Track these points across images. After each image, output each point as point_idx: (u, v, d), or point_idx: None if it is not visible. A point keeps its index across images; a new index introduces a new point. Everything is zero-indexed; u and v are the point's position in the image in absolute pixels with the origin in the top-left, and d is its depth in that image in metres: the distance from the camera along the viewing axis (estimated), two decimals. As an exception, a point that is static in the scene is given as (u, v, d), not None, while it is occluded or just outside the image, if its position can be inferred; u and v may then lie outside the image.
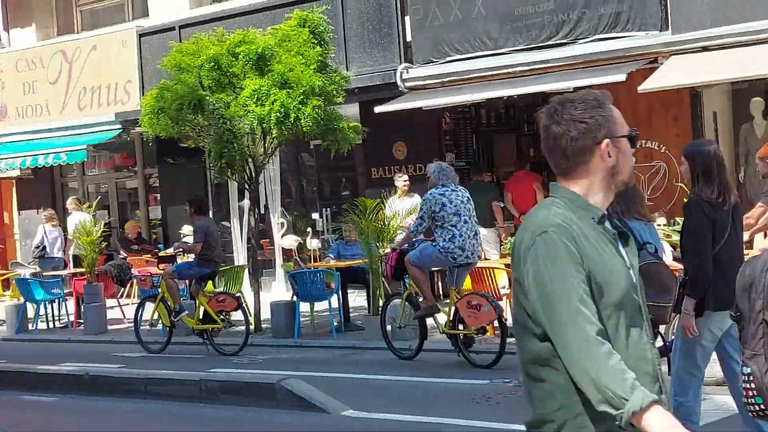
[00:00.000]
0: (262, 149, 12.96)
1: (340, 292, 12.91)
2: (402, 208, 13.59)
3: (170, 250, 13.42)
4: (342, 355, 11.25)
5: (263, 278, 15.38)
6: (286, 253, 16.43)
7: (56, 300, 15.32)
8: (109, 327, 14.51)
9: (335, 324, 12.55)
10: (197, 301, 12.21)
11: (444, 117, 15.71)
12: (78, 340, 13.65)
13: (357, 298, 14.40)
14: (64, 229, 17.00)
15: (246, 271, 14.85)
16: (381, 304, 11.87)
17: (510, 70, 13.99)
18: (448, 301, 10.73)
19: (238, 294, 13.21)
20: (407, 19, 15.12)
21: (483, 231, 14.41)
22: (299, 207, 17.62)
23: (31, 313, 15.30)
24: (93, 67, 18.56)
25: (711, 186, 5.75)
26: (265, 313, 13.09)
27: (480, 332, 10.15)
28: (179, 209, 18.23)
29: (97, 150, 19.73)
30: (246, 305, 12.64)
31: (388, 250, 11.52)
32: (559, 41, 13.64)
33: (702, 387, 6.01)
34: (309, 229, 16.12)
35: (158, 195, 19.32)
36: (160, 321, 12.66)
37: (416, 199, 14.29)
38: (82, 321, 14.91)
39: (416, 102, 14.56)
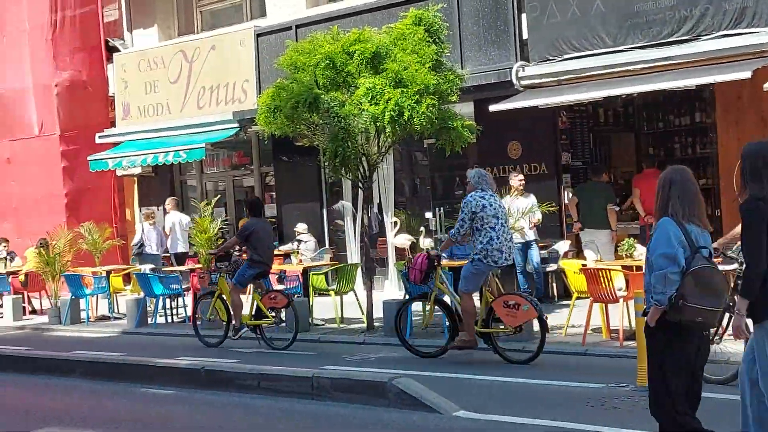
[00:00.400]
0: (376, 148, 12.96)
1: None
2: (517, 207, 13.43)
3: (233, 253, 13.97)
4: (454, 354, 11.16)
5: (376, 277, 15.44)
6: (399, 252, 16.44)
7: (175, 295, 15.66)
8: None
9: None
10: (251, 298, 12.84)
11: (560, 116, 15.48)
12: (194, 335, 13.86)
13: (470, 298, 14.26)
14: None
15: (359, 269, 14.91)
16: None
17: (629, 67, 13.67)
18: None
19: (288, 292, 13.49)
20: (524, 16, 14.95)
21: (597, 233, 14.20)
22: (412, 206, 17.61)
23: (150, 308, 15.67)
24: (212, 67, 18.90)
25: (759, 184, 5.71)
26: (378, 312, 13.09)
27: (517, 330, 10.47)
28: (294, 207, 18.45)
29: (216, 148, 20.10)
30: (358, 303, 12.71)
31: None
32: (680, 38, 13.27)
33: None
34: (422, 228, 16.09)
35: (274, 193, 19.55)
36: (218, 316, 13.21)
37: (531, 199, 14.12)
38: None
39: (532, 100, 14.37)
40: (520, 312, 10.33)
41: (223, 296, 13.08)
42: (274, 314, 12.80)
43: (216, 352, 12.32)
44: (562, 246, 15.02)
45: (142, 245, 17.94)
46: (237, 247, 13.56)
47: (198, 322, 13.58)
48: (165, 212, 19.09)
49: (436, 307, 11.35)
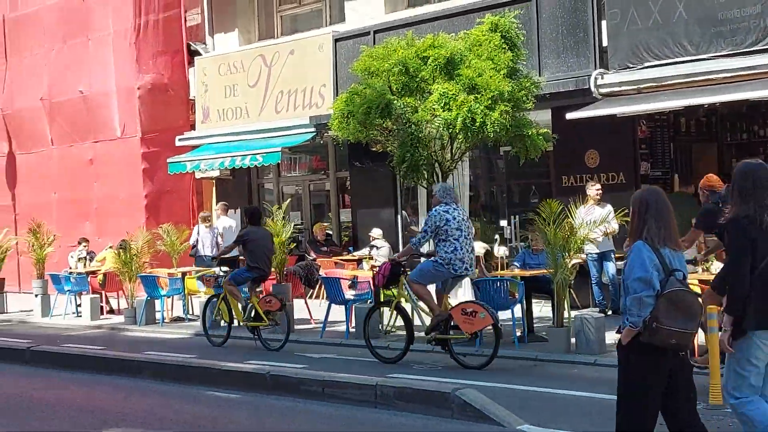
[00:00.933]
0: (449, 154, 12.84)
1: (524, 302, 12.65)
2: (593, 217, 13.18)
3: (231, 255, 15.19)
4: (523, 366, 10.98)
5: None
6: (473, 260, 16.27)
7: (247, 299, 15.67)
8: (296, 327, 14.72)
9: (518, 334, 12.31)
10: (250, 301, 13.80)
11: (640, 124, 15.15)
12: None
13: (543, 309, 14.08)
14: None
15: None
16: (566, 316, 11.61)
17: (712, 76, 13.30)
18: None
19: (281, 296, 14.15)
20: (604, 23, 14.67)
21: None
22: (488, 213, 17.43)
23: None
24: (290, 71, 18.98)
25: (747, 204, 5.91)
26: (449, 320, 12.92)
27: (474, 337, 11.14)
28: (369, 212, 18.42)
29: (293, 152, 20.16)
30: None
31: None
32: (765, 47, 12.87)
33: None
34: (497, 237, 15.90)
35: (350, 197, 19.56)
36: (222, 317, 14.30)
37: (608, 208, 13.83)
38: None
39: (611, 109, 14.09)
40: (477, 319, 10.92)
41: (227, 298, 13.95)
42: (270, 316, 13.59)
43: (334, 362, 12.22)
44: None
45: (196, 247, 18.43)
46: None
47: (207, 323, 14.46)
48: (216, 217, 19.45)
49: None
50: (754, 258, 5.85)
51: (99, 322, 17.32)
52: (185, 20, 22.11)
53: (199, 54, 21.61)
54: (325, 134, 18.04)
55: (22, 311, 19.54)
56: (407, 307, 11.94)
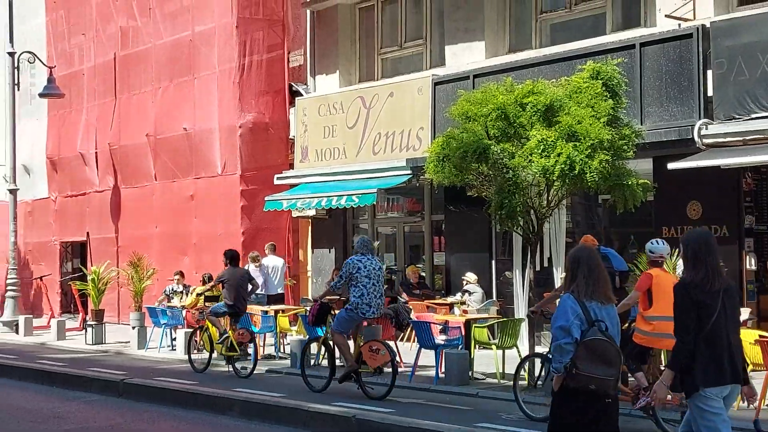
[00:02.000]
0: (545, 201, 12.67)
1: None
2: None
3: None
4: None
5: (543, 332, 15.03)
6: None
7: (338, 338, 15.67)
8: (385, 369, 14.60)
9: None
10: (228, 334, 15.38)
11: (745, 176, 14.73)
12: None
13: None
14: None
15: (524, 324, 14.56)
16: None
17: (821, 129, 12.90)
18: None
19: (251, 329, 15.97)
20: (709, 73, 14.36)
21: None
22: (584, 262, 17.08)
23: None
24: (389, 113, 19.07)
25: (699, 271, 6.35)
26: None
27: (377, 371, 12.57)
28: (463, 257, 18.28)
29: (388, 194, 20.20)
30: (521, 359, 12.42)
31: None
32: None
33: None
34: (592, 286, 15.56)
35: (444, 240, 19.45)
36: (203, 346, 16.05)
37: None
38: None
39: (716, 160, 13.76)
40: (379, 355, 12.46)
41: (208, 330, 15.75)
42: (241, 348, 15.36)
43: (421, 407, 12.16)
44: (743, 314, 14.21)
45: None
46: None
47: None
48: (264, 255, 19.98)
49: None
50: (701, 319, 6.28)
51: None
52: (288, 61, 22.45)
53: (300, 94, 21.89)
54: (422, 177, 18.02)
55: (119, 342, 19.89)
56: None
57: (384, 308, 15.67)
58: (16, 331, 22.84)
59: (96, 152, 26.12)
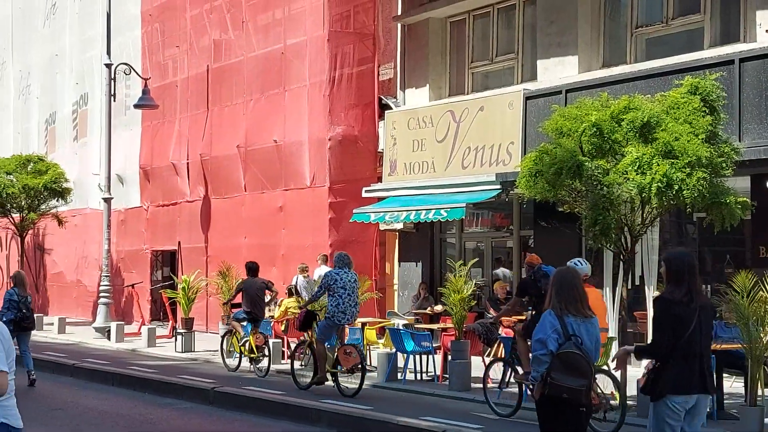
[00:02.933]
0: (640, 219, 12.47)
1: (714, 376, 12.04)
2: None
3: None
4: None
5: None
6: (659, 328, 15.68)
7: (425, 353, 15.67)
8: (473, 385, 14.55)
9: (707, 410, 11.71)
10: (249, 338, 17.15)
11: None
12: (441, 395, 13.79)
13: (734, 384, 13.39)
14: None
15: (614, 343, 14.32)
16: (760, 394, 10.98)
17: None
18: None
19: (266, 333, 17.61)
20: (812, 88, 14.00)
21: None
22: (677, 281, 16.76)
23: (400, 363, 15.76)
24: (478, 128, 19.00)
25: (680, 288, 6.90)
26: (632, 390, 12.47)
27: (350, 372, 14.03)
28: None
29: (476, 208, 20.11)
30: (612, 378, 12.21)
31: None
32: None
33: None
34: (685, 306, 15.26)
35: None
36: (233, 349, 17.71)
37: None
38: (447, 376, 15.11)
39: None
40: (351, 357, 13.94)
41: (235, 333, 17.60)
42: (261, 350, 17.06)
43: (453, 414, 12.13)
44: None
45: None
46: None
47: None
48: (316, 266, 20.64)
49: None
50: (676, 330, 6.84)
51: (281, 366, 17.62)
52: (378, 74, 22.56)
53: (389, 108, 21.96)
54: (511, 192, 17.90)
55: (207, 351, 20.14)
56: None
57: (471, 323, 15.72)
58: (108, 338, 23.31)
59: (188, 163, 26.57)
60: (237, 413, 12.82)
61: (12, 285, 16.07)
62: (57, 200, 29.71)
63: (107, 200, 25.26)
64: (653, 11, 17.55)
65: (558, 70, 18.20)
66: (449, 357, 15.13)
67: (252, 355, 17.08)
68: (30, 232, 31.56)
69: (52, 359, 18.86)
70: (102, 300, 24.43)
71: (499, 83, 20.13)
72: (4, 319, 15.06)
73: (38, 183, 28.99)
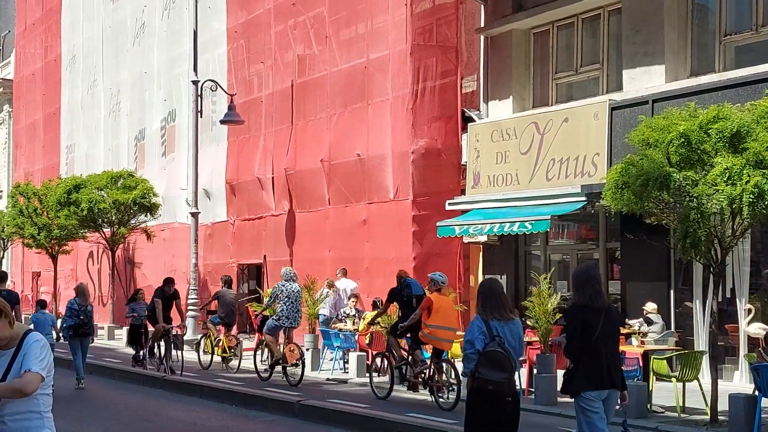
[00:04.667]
0: (730, 230, 12.19)
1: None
2: None
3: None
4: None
5: (724, 366, 14.47)
6: (752, 342, 15.33)
7: (510, 366, 15.52)
8: (559, 399, 14.38)
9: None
10: (223, 340, 20.12)
11: None
12: (527, 409, 13.59)
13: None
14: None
15: (705, 356, 14.05)
16: None
17: None
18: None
19: (238, 336, 20.76)
20: None
21: None
22: (769, 293, 16.40)
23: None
24: (563, 139, 18.82)
25: (584, 295, 8.06)
26: (723, 404, 12.22)
27: (294, 365, 17.19)
28: (640, 286, 17.80)
29: (561, 220, 19.92)
30: (702, 393, 11.98)
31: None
32: None
33: None
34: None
35: (620, 269, 19.00)
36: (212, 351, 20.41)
37: None
38: (533, 390, 14.96)
39: None
40: (293, 353, 17.15)
41: (210, 336, 20.58)
42: (232, 350, 20.03)
43: (539, 429, 12.01)
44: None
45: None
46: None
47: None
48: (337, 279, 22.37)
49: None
50: (585, 333, 7.91)
51: (365, 379, 17.67)
52: (461, 87, 22.53)
53: (472, 120, 21.90)
54: (596, 204, 17.68)
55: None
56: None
57: (556, 337, 15.54)
58: (197, 350, 23.59)
59: (272, 177, 26.87)
60: (322, 426, 12.88)
61: (75, 295, 17.94)
62: (146, 215, 30.36)
63: (194, 215, 25.67)
64: (742, 18, 17.19)
65: (644, 80, 17.95)
66: (535, 371, 14.99)
67: (224, 355, 19.95)
68: (120, 246, 32.30)
69: (141, 371, 19.21)
70: (190, 313, 24.81)
71: (583, 94, 19.93)
72: (65, 325, 17.40)
73: (128, 198, 29.68)
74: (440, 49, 22.63)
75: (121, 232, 30.79)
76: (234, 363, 19.81)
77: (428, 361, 14.93)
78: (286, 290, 17.68)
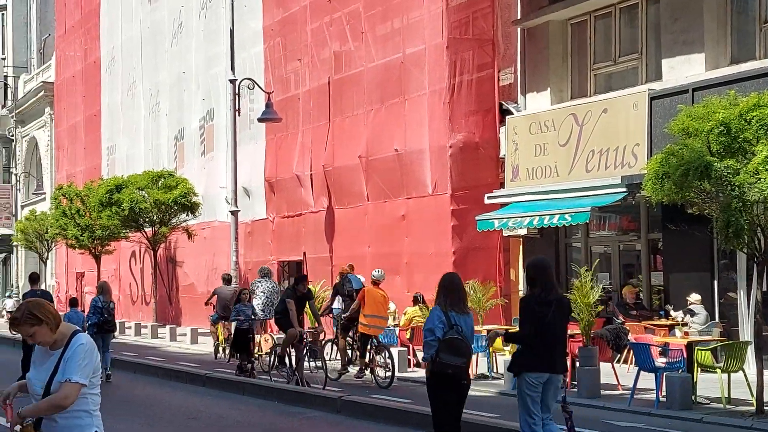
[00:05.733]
0: (774, 219, 12.02)
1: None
2: None
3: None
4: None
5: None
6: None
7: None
8: (603, 392, 14.31)
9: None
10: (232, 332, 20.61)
11: None
12: (570, 402, 13.55)
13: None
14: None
15: (750, 347, 13.88)
16: None
17: None
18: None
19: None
20: None
21: None
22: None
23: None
24: (602, 130, 18.68)
25: (535, 287, 8.76)
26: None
27: (268, 354, 17.89)
28: (683, 276, 17.65)
29: (602, 212, 19.77)
30: (747, 384, 11.86)
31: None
32: None
33: (546, 424, 8.82)
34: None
35: (662, 260, 18.84)
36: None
37: None
38: (576, 383, 14.87)
39: None
40: (268, 343, 18.72)
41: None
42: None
43: (582, 422, 11.93)
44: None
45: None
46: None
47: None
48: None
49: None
50: (535, 320, 8.56)
51: (406, 374, 17.67)
52: (498, 80, 22.43)
53: (510, 113, 21.79)
54: (638, 194, 17.52)
55: (335, 359, 20.31)
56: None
57: (599, 329, 15.44)
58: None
59: (311, 174, 26.94)
60: (364, 421, 12.88)
61: (98, 293, 18.60)
62: (186, 214, 30.56)
63: (234, 213, 25.82)
64: (783, 3, 16.96)
65: (684, 69, 17.75)
66: (577, 363, 14.90)
67: (225, 345, 21.93)
68: (162, 245, 32.56)
69: (185, 369, 19.36)
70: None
71: (622, 84, 19.75)
72: (89, 322, 17.79)
73: (169, 198, 29.90)
74: (476, 42, 22.54)
75: (163, 232, 31.05)
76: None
77: (367, 348, 16.91)
78: (262, 287, 19.99)
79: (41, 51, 57.45)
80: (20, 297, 35.65)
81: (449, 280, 9.01)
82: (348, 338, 17.71)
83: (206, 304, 23.82)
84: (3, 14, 61.51)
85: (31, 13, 59.46)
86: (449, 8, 22.25)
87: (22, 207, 54.65)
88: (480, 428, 11.28)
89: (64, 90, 46.75)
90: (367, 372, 16.90)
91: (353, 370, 17.47)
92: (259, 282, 19.81)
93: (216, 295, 22.31)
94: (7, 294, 53.39)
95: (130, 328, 32.18)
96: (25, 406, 5.38)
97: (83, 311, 20.57)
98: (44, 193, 49.15)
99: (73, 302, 19.28)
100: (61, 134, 47.70)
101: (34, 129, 55.53)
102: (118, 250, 37.23)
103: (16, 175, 57.82)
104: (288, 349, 16.47)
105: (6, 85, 58.76)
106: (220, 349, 22.43)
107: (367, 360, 16.88)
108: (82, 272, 42.73)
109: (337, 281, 19.05)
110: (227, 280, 22.96)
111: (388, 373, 16.17)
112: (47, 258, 45.65)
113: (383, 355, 16.58)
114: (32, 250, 45.17)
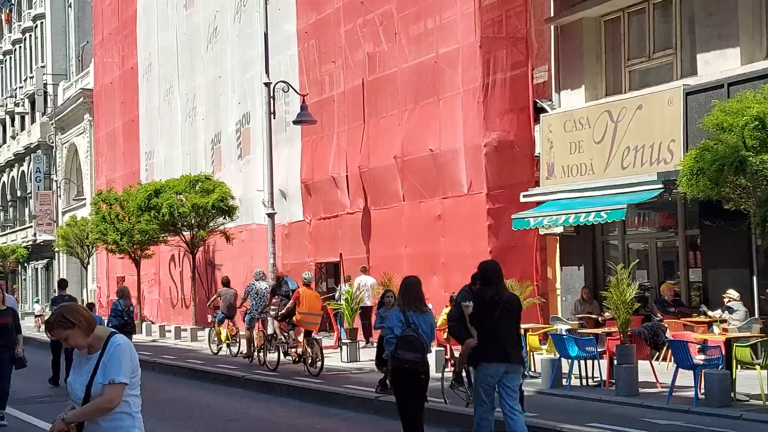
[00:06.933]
0: (811, 214, 11.89)
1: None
2: None
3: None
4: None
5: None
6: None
7: (590, 358, 15.40)
8: (641, 390, 14.21)
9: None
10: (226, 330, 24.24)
11: None
12: (607, 401, 13.53)
13: None
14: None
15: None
16: None
17: None
18: None
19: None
20: None
21: None
22: None
23: (565, 369, 15.53)
24: (637, 127, 18.55)
25: (491, 287, 9.64)
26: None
27: (259, 350, 20.83)
28: (721, 273, 17.49)
29: (639, 209, 19.63)
30: None
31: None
32: None
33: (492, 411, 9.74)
34: None
35: (700, 256, 18.67)
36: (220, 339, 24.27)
37: None
38: (614, 381, 14.79)
39: None
40: (259, 338, 20.98)
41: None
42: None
43: (621, 420, 11.85)
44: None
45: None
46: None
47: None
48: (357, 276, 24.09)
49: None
50: (485, 317, 9.50)
51: (443, 374, 17.64)
52: (532, 78, 22.35)
53: (544, 111, 21.70)
54: (674, 191, 17.38)
55: (371, 360, 20.36)
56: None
57: (636, 327, 15.35)
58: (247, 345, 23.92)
59: (347, 175, 27.00)
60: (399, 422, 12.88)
61: (118, 297, 19.56)
62: (224, 217, 30.76)
63: (271, 215, 25.91)
64: (819, -4, 16.75)
65: (719, 64, 17.60)
66: (615, 362, 14.81)
67: (227, 342, 23.87)
68: (200, 249, 32.79)
69: (223, 372, 19.49)
70: (271, 313, 25.05)
71: (657, 80, 19.61)
72: (111, 325, 18.01)
73: (206, 202, 30.12)
74: (510, 40, 22.47)
75: (201, 235, 31.27)
76: (234, 349, 23.60)
77: (301, 340, 18.95)
78: (256, 287, 22.19)
79: (80, 58, 58.12)
80: (49, 302, 36.44)
81: (407, 283, 9.80)
82: (284, 333, 19.86)
83: (209, 306, 26.20)
84: (42, 23, 62.29)
85: (69, 21, 60.20)
86: (482, 7, 22.20)
87: (63, 213, 55.33)
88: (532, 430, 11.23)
89: (103, 96, 47.24)
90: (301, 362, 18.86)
91: (287, 359, 19.73)
92: (253, 285, 22.13)
93: (220, 297, 24.70)
94: (35, 299, 54.49)
95: (170, 331, 32.44)
96: (69, 412, 5.40)
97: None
98: (84, 199, 49.71)
99: (90, 307, 20.79)
100: (100, 140, 48.20)
101: (73, 136, 56.19)
102: (157, 254, 37.54)
103: (56, 181, 58.54)
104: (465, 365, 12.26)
105: (45, 92, 59.50)
106: (223, 347, 24.23)
107: (300, 351, 18.91)
108: (123, 276, 43.14)
109: (274, 283, 21.61)
110: (226, 282, 25.39)
111: (319, 363, 18.13)
112: (88, 263, 46.17)
113: (314, 348, 18.46)
114: (73, 255, 45.77)
